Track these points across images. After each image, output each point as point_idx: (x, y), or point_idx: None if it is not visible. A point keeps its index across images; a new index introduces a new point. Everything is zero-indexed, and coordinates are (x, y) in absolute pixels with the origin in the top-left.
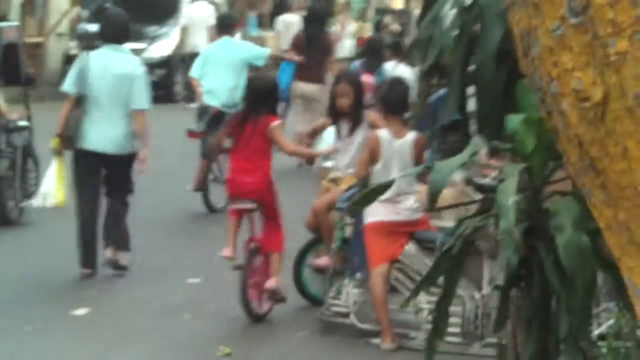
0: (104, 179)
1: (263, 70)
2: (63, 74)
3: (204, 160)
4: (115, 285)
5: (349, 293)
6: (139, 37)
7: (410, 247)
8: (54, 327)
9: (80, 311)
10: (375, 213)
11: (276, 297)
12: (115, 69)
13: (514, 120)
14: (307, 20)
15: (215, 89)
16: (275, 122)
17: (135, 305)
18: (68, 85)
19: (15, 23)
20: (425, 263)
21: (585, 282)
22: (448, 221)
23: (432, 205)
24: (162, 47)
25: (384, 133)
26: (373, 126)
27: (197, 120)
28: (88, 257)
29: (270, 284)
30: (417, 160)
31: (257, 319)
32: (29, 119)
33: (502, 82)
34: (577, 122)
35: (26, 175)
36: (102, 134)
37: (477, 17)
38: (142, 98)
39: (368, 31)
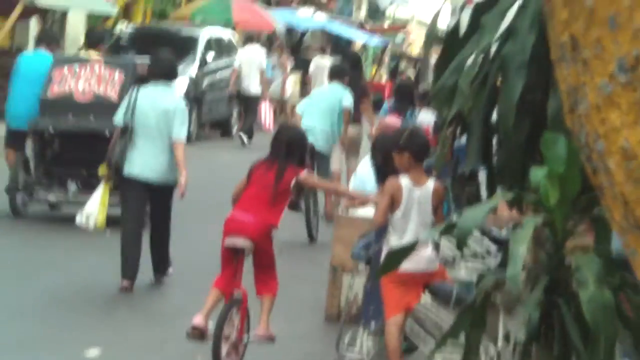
0: (140, 210)
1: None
2: None
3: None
4: (130, 325)
5: (363, 342)
6: None
7: (426, 298)
8: None
9: (93, 352)
10: None
11: (266, 340)
12: (161, 104)
13: (537, 173)
14: (344, 68)
15: (314, 129)
16: (304, 172)
17: (149, 347)
18: (118, 116)
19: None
20: (440, 314)
21: (607, 339)
22: (462, 272)
23: (460, 249)
24: (177, 85)
25: (405, 181)
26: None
27: None
28: (127, 271)
29: (261, 331)
30: (435, 210)
31: None
32: None
33: (524, 133)
34: (624, 180)
35: None
36: (146, 163)
37: (499, 67)
38: (181, 130)
39: (385, 77)
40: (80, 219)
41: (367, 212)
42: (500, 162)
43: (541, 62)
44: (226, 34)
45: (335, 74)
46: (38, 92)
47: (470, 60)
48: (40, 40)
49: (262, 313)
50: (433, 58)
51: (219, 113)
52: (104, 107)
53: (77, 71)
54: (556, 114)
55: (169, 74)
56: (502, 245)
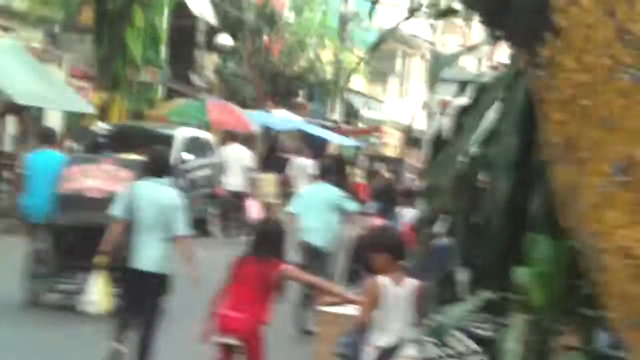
0: (139, 298)
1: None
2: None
3: None
4: None
5: None
6: None
7: None
8: None
9: None
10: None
11: None
12: (158, 199)
13: (522, 273)
14: (331, 168)
15: (310, 227)
16: (286, 266)
17: None
18: (116, 210)
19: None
20: None
21: None
22: None
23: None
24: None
25: (385, 280)
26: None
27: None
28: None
29: None
30: (417, 308)
31: None
32: None
33: (507, 234)
34: (623, 278)
35: None
36: (143, 254)
37: (485, 166)
38: (183, 225)
39: (359, 177)
40: (82, 307)
41: (350, 309)
42: (483, 263)
43: (524, 164)
44: (202, 134)
45: (325, 174)
46: (52, 188)
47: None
48: (44, 140)
49: None
50: (408, 158)
51: (197, 211)
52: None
53: (88, 169)
54: (539, 215)
55: (164, 170)
56: (485, 344)
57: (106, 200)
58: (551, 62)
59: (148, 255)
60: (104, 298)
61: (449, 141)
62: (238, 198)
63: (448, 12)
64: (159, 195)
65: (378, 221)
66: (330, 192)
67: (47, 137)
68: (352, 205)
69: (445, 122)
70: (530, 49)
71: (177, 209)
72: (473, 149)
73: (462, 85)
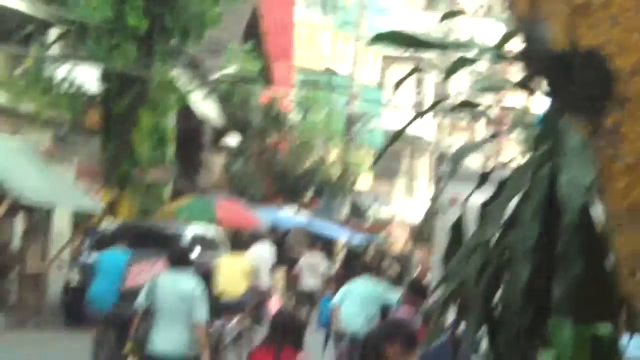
0: None
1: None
2: (63, 305)
3: None
4: None
5: None
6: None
7: None
8: None
9: None
10: None
11: None
12: (179, 288)
13: (546, 357)
14: (346, 260)
15: (354, 319)
16: (301, 355)
17: None
18: (140, 299)
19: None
20: None
21: None
22: None
23: None
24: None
25: None
26: None
27: (336, 343)
28: None
29: None
30: None
31: None
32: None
33: (527, 319)
34: None
35: None
36: (166, 340)
37: (501, 254)
38: (201, 313)
39: None
40: None
41: None
42: (501, 348)
43: (544, 249)
44: (210, 232)
45: (365, 269)
46: (117, 283)
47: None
48: (116, 240)
49: None
50: (416, 255)
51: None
52: None
53: (149, 267)
54: (561, 300)
55: (184, 262)
56: None
57: None
58: (614, 132)
59: (168, 341)
60: None
61: (473, 232)
62: (263, 295)
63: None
64: (181, 285)
65: (407, 312)
66: (372, 286)
67: (120, 237)
68: (395, 297)
69: (453, 217)
70: (593, 119)
71: (197, 297)
72: (494, 237)
73: (482, 178)
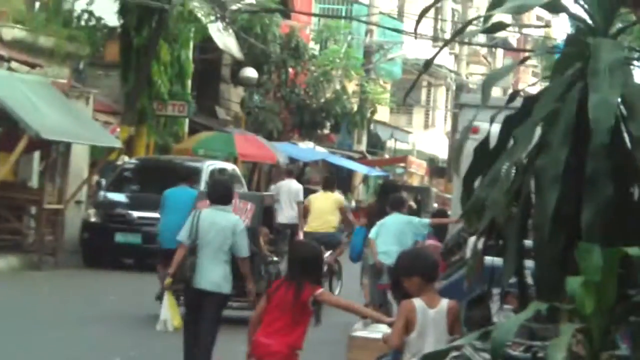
0: (200, 315)
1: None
2: (81, 243)
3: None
4: None
5: None
6: (158, 207)
7: None
8: None
9: None
10: None
11: None
12: (220, 224)
13: (573, 282)
14: (383, 191)
15: (389, 251)
16: (320, 290)
17: None
18: (182, 236)
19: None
20: None
21: None
22: None
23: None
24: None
25: (418, 302)
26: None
27: (372, 275)
28: None
29: None
30: (451, 329)
31: None
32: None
33: (559, 245)
34: None
35: None
36: (208, 274)
37: (532, 179)
38: (243, 247)
39: None
40: (159, 326)
41: (379, 334)
42: (535, 274)
43: (574, 174)
44: (229, 166)
45: (399, 203)
46: (184, 218)
47: (503, 173)
48: (182, 179)
49: None
50: (434, 189)
51: None
52: None
53: None
54: (590, 225)
55: (225, 198)
56: None
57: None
58: None
59: (210, 276)
60: (173, 316)
61: (496, 153)
62: (290, 230)
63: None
64: (222, 221)
65: (434, 244)
66: (404, 220)
67: (185, 177)
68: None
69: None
70: None
71: (238, 233)
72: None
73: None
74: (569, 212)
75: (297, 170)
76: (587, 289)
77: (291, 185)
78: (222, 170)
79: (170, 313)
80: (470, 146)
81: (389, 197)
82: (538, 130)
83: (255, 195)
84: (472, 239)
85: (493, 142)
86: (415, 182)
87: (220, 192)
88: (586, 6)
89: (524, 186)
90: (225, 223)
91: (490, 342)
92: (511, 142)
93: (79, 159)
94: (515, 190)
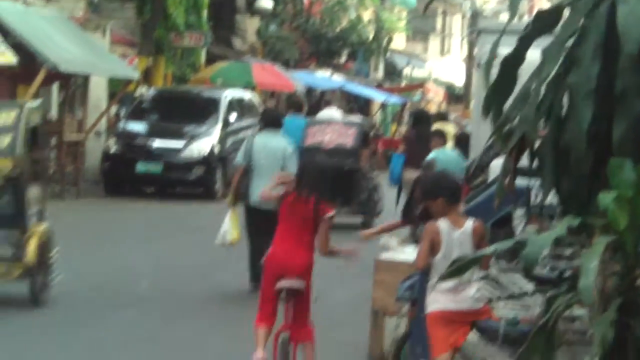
0: (257, 230)
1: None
2: (102, 173)
3: None
4: None
5: None
6: (177, 136)
7: (473, 337)
8: None
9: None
10: (437, 302)
11: None
12: (272, 147)
13: (606, 197)
14: (417, 120)
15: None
16: (330, 214)
17: None
18: (239, 158)
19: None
20: (488, 352)
21: None
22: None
23: (528, 277)
24: (202, 145)
25: (443, 223)
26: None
27: None
28: (255, 276)
29: None
30: (477, 248)
31: None
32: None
33: (590, 161)
34: None
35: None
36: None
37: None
38: (293, 168)
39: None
40: (218, 239)
41: (407, 256)
42: (567, 190)
43: (605, 91)
44: (247, 95)
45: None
46: (297, 142)
47: (533, 88)
48: (290, 107)
49: None
50: (452, 115)
51: None
52: (342, 151)
53: (322, 128)
54: (622, 141)
55: (276, 123)
56: (547, 283)
57: (336, 150)
58: None
59: None
60: (233, 230)
61: (532, 73)
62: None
63: None
64: (273, 144)
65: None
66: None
67: (293, 105)
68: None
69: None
70: None
71: (288, 155)
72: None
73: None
74: (599, 129)
75: (315, 98)
76: (620, 204)
77: (332, 114)
78: (240, 99)
79: (230, 227)
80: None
81: (428, 130)
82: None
83: (356, 121)
84: (495, 162)
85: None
86: (432, 108)
87: (271, 118)
88: None
89: (556, 103)
90: (276, 146)
91: (522, 259)
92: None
93: (98, 90)
94: (546, 108)
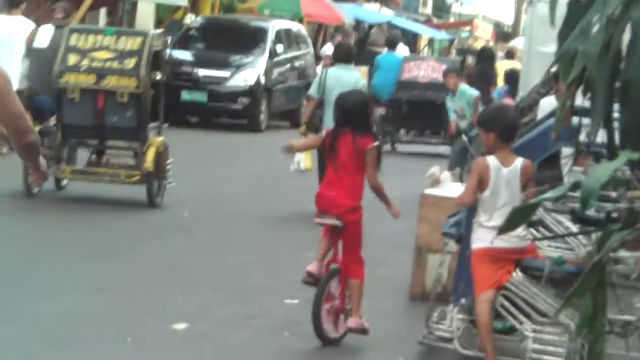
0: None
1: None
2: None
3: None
4: (214, 302)
5: (453, 318)
6: (223, 66)
7: (517, 275)
8: (154, 339)
9: (180, 326)
10: (483, 239)
11: (358, 332)
12: (344, 80)
13: None
14: (480, 57)
15: None
16: (372, 145)
17: (233, 322)
18: (312, 90)
19: None
20: (532, 291)
21: None
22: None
23: (584, 211)
24: (248, 75)
25: (492, 160)
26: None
27: None
28: None
29: (352, 324)
30: (524, 187)
31: (329, 342)
32: None
33: None
34: None
35: None
36: (331, 125)
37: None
38: None
39: None
40: (293, 166)
41: (453, 192)
42: (625, 124)
43: None
44: (295, 26)
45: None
46: (394, 77)
47: (594, 22)
48: (389, 46)
49: (352, 303)
50: (500, 52)
51: (289, 104)
52: (436, 86)
53: (419, 64)
54: None
55: (348, 58)
56: (593, 225)
57: (430, 84)
58: None
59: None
60: (306, 158)
61: (592, 7)
62: None
63: None
64: (345, 78)
65: (509, 102)
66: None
67: (391, 43)
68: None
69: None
70: None
71: (360, 86)
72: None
73: None
74: None
75: (364, 32)
76: None
77: (401, 51)
78: (287, 30)
79: (304, 155)
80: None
81: (492, 68)
82: None
83: (448, 59)
84: (544, 100)
85: None
86: (480, 46)
87: (344, 52)
88: None
89: (616, 37)
90: (348, 80)
91: (580, 192)
92: None
93: (145, 17)
94: (606, 42)
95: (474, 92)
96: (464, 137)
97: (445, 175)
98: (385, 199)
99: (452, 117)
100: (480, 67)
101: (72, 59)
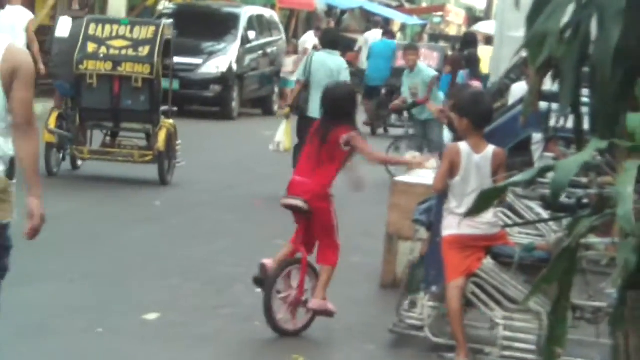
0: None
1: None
2: None
3: None
4: (185, 291)
5: (424, 306)
6: (195, 53)
7: (488, 262)
8: (125, 330)
9: (151, 316)
10: (453, 226)
11: (323, 314)
12: (328, 65)
13: (634, 119)
14: (464, 43)
15: None
16: (352, 133)
17: (204, 312)
18: (298, 74)
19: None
20: (502, 278)
21: None
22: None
23: (554, 203)
24: (220, 62)
25: (464, 146)
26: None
27: None
28: None
29: (314, 305)
30: (495, 174)
31: (285, 334)
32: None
33: (617, 80)
34: None
35: None
36: (316, 106)
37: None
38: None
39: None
40: (272, 146)
41: (423, 178)
42: (594, 108)
43: (635, 9)
44: (267, 12)
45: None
46: (388, 64)
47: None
48: (385, 33)
49: (318, 285)
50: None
51: (261, 91)
52: None
53: (411, 52)
54: None
55: (334, 43)
56: (564, 211)
57: None
58: None
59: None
60: (286, 139)
61: None
62: None
63: None
64: (330, 63)
65: (477, 85)
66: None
67: (387, 32)
68: None
69: None
70: None
71: (343, 71)
72: None
73: None
74: (628, 48)
75: (336, 17)
76: None
77: (377, 35)
78: (259, 17)
79: (284, 137)
80: None
81: (476, 53)
82: None
83: (438, 46)
84: (515, 85)
85: None
86: (452, 31)
87: (330, 38)
88: None
89: (584, 20)
90: (332, 65)
91: (550, 186)
92: None
93: (117, 3)
94: (575, 25)
95: (432, 72)
96: (405, 114)
97: (432, 162)
98: (397, 161)
99: (405, 93)
100: (469, 53)
101: (91, 47)
